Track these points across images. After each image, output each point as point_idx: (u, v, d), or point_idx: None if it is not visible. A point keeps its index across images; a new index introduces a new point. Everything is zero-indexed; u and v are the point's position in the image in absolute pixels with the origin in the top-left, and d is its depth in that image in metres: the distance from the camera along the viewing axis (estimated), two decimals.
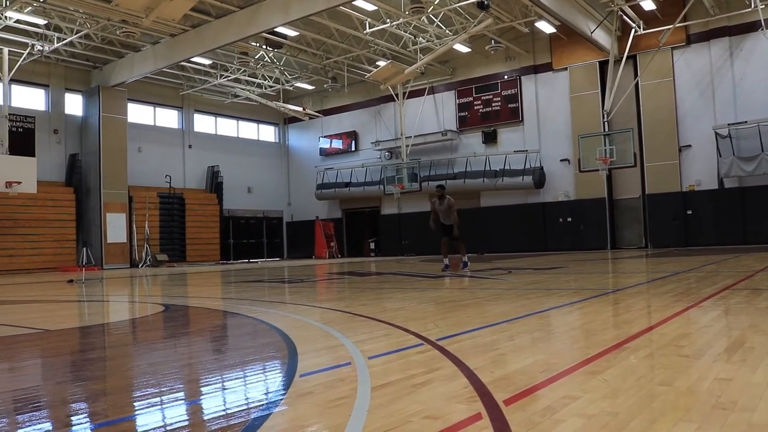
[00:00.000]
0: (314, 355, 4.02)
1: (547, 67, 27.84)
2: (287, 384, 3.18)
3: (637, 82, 25.64)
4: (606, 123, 25.46)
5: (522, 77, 28.53)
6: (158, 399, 3.10)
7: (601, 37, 24.57)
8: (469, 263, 14.20)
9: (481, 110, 29.68)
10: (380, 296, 8.71)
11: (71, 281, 15.97)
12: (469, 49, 27.86)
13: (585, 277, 11.20)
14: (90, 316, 8.04)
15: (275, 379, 3.51)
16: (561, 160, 27.33)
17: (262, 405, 2.83)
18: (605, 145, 24.61)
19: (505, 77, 28.99)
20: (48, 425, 2.75)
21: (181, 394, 3.27)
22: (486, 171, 28.78)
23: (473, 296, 7.95)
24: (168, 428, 2.58)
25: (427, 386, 3.00)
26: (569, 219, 27.03)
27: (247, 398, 3.08)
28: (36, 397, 3.35)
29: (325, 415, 2.59)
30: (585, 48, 25.87)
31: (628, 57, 24.82)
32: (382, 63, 26.95)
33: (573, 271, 12.82)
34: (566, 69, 27.19)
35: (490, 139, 29.29)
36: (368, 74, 27.37)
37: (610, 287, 8.98)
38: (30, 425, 2.75)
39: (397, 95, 29.10)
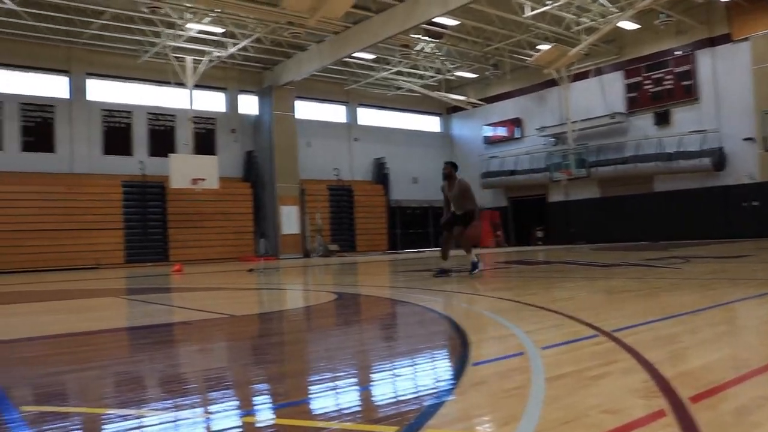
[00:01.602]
0: (486, 345, 4.01)
1: (725, 39, 25.78)
2: (459, 372, 3.19)
3: None
4: None
5: (696, 52, 26.63)
6: (334, 384, 3.23)
7: None
8: (479, 264, 10.52)
9: (651, 90, 28.10)
10: (550, 285, 8.53)
11: (251, 270, 17.02)
12: (637, 26, 26.41)
13: None
14: (269, 303, 8.52)
15: (447, 367, 3.54)
16: (744, 140, 25.26)
17: (435, 393, 2.86)
18: None
19: (678, 53, 27.21)
20: (235, 403, 2.95)
21: (355, 380, 3.38)
22: (659, 154, 27.23)
23: (648, 286, 7.57)
24: (344, 412, 2.68)
25: (603, 379, 2.89)
26: (755, 203, 24.93)
27: (420, 386, 3.13)
28: (224, 377, 3.61)
29: (500, 405, 2.57)
30: None
31: None
32: (544, 47, 26.26)
33: (761, 260, 11.84)
34: (748, 39, 25.03)
35: (662, 119, 27.67)
36: (530, 59, 26.79)
37: None
38: (220, 402, 2.97)
39: (561, 79, 28.23)
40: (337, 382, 3.27)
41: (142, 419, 2.65)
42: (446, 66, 31.06)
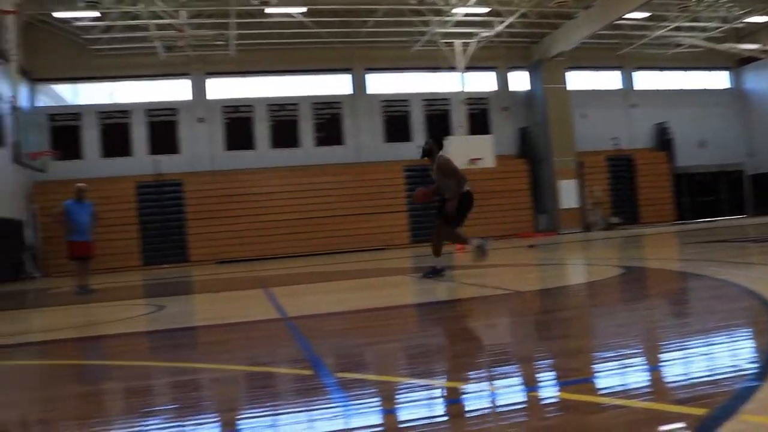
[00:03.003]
0: None
1: None
2: None
3: None
4: None
5: None
6: (629, 361, 3.12)
7: None
8: (445, 270, 8.77)
9: None
10: None
11: (531, 246, 17.02)
12: None
13: None
14: (553, 279, 8.46)
15: (758, 347, 3.22)
16: None
17: (747, 375, 2.62)
18: None
19: None
20: (524, 378, 3.00)
21: (651, 358, 3.24)
22: None
23: None
24: (643, 391, 2.58)
25: None
26: None
27: (726, 366, 2.90)
28: (515, 351, 3.67)
29: None
30: None
31: None
32: None
33: None
34: None
35: None
36: None
37: None
38: (508, 377, 3.03)
39: None
40: (632, 360, 3.17)
41: (432, 390, 2.81)
42: (733, 13, 27.96)
